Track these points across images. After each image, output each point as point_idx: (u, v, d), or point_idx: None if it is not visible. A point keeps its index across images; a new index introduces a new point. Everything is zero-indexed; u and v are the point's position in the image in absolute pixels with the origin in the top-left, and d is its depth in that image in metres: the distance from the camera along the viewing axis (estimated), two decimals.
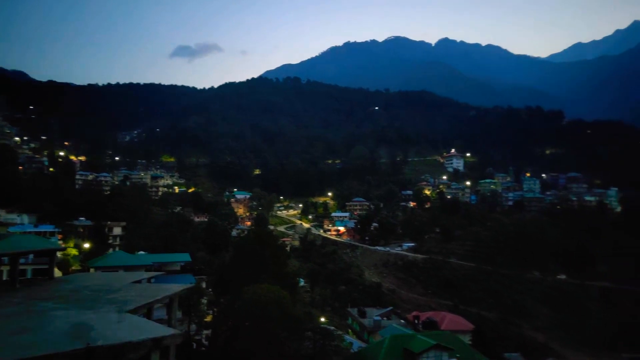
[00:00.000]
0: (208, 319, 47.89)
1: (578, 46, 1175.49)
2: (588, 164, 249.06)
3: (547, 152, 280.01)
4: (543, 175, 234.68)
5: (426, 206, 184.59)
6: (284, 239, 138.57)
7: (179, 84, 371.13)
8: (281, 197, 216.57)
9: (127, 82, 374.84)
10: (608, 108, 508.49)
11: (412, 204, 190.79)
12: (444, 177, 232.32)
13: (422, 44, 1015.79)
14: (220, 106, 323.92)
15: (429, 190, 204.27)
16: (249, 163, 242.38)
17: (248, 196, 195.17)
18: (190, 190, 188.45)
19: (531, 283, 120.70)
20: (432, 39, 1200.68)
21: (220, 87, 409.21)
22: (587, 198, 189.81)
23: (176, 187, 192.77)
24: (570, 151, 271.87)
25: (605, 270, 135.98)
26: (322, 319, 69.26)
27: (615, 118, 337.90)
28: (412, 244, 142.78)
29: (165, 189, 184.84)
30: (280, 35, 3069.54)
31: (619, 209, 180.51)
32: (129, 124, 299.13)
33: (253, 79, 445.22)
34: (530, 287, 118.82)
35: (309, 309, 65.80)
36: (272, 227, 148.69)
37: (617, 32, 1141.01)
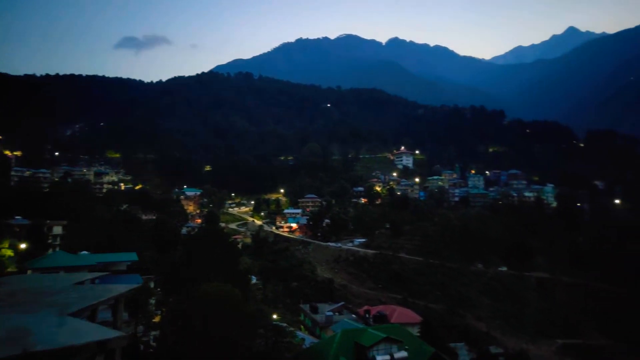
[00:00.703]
0: (156, 319, 46.57)
1: (518, 49, 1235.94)
2: (527, 162, 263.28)
3: (490, 150, 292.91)
4: (487, 172, 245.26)
5: (377, 202, 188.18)
6: (235, 237, 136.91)
7: (125, 76, 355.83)
8: (233, 194, 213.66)
9: (68, 73, 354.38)
10: (545, 109, 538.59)
11: (363, 200, 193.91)
12: (394, 174, 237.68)
13: (373, 42, 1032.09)
14: (169, 100, 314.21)
15: (379, 186, 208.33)
16: (199, 159, 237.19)
17: (198, 193, 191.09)
18: (137, 188, 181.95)
19: (475, 275, 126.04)
20: (383, 38, 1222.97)
21: (169, 81, 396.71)
22: (526, 194, 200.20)
23: (122, 184, 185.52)
24: (511, 149, 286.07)
25: (541, 262, 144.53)
26: (275, 316, 69.18)
27: (552, 118, 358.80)
28: (363, 240, 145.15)
29: (110, 186, 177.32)
30: (231, 30, 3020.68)
31: (554, 204, 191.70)
32: (70, 117, 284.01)
33: (203, 73, 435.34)
34: (474, 279, 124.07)
35: (261, 307, 65.43)
36: (223, 225, 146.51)
37: (554, 37, 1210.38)
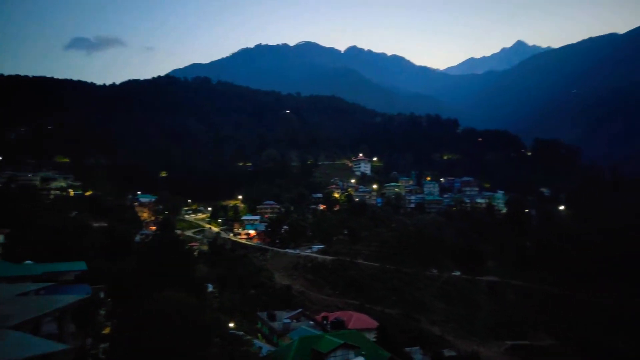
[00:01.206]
0: (106, 331, 44.90)
1: (471, 61, 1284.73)
2: (479, 169, 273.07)
3: (445, 157, 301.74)
4: (441, 179, 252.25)
5: (335, 209, 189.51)
6: (191, 244, 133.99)
7: (76, 78, 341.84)
8: (189, 201, 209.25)
9: (13, 74, 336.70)
10: (496, 118, 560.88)
11: (322, 206, 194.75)
12: (352, 181, 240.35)
13: (331, 50, 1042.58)
14: (123, 104, 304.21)
15: (338, 193, 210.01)
16: (154, 165, 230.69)
17: (153, 199, 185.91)
18: (87, 194, 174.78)
19: (429, 280, 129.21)
20: (342, 47, 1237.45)
21: (123, 84, 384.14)
22: (478, 200, 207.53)
23: (71, 190, 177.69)
24: (464, 157, 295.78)
25: (492, 266, 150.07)
26: (231, 325, 68.24)
27: (502, 128, 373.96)
28: (322, 246, 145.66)
29: (59, 192, 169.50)
30: (189, 33, 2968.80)
31: (504, 210, 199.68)
32: (15, 120, 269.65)
33: (160, 77, 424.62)
34: (429, 283, 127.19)
35: (218, 315, 64.36)
36: (179, 232, 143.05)
37: (504, 49, 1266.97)
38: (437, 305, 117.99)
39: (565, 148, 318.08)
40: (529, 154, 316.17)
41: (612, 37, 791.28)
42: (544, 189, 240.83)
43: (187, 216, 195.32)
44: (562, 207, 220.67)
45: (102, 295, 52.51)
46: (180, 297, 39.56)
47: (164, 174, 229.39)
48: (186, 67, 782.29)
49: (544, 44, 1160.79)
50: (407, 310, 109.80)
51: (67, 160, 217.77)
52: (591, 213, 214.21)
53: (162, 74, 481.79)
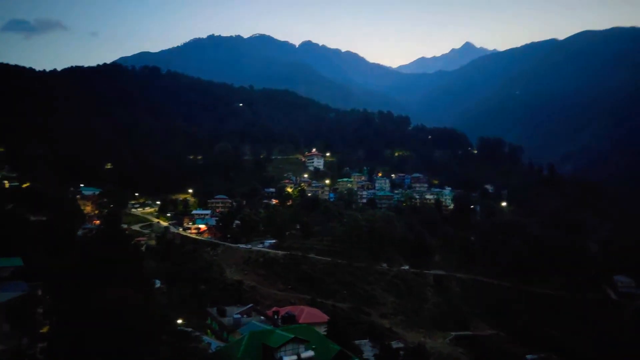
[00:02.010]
0: (44, 330, 42.70)
1: (422, 60, 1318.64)
2: (428, 166, 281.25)
3: (396, 154, 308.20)
4: (392, 175, 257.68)
5: (288, 203, 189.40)
6: (138, 239, 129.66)
7: (13, 63, 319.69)
8: (136, 194, 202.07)
9: None
10: (444, 117, 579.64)
11: (274, 201, 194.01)
12: (306, 176, 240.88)
13: (286, 44, 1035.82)
14: (65, 91, 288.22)
15: (291, 188, 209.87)
16: (99, 156, 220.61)
17: (97, 192, 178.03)
18: (24, 186, 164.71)
19: (380, 274, 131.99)
20: (296, 41, 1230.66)
21: (65, 70, 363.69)
22: (427, 196, 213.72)
23: (6, 182, 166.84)
24: (414, 154, 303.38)
25: (439, 260, 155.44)
26: (180, 321, 66.73)
27: (450, 126, 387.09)
28: (274, 241, 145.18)
29: None
30: (137, 20, 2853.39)
31: (451, 206, 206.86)
32: None
33: (105, 64, 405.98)
34: (379, 277, 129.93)
35: (166, 312, 62.72)
36: (125, 226, 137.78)
37: (453, 50, 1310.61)
38: (386, 298, 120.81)
39: (508, 147, 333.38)
40: (475, 152, 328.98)
41: (553, 42, 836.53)
42: (488, 186, 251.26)
43: (134, 210, 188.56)
44: (504, 203, 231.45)
45: (40, 292, 49.93)
46: (126, 294, 38.27)
47: (109, 166, 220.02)
48: (134, 55, 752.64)
49: (490, 47, 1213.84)
50: (357, 303, 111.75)
51: (1, 149, 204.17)
52: (531, 209, 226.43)
53: (108, 61, 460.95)
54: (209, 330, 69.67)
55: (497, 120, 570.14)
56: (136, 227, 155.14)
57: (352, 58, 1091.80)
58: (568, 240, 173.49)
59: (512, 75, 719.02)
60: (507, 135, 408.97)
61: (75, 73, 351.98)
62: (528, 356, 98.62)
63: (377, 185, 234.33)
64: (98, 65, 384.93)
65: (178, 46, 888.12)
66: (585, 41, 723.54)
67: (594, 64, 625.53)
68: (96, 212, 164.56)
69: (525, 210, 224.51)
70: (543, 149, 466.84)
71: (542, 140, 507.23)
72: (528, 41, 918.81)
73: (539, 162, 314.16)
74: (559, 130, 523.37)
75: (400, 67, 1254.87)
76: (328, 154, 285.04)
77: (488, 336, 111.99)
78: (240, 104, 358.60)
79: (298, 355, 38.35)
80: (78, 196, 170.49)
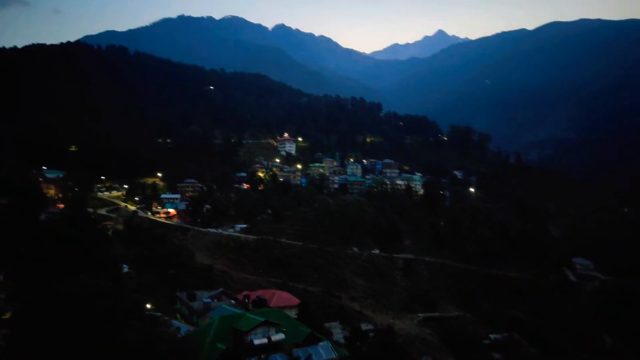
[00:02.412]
0: (6, 316, 41.44)
1: (395, 47, 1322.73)
2: (399, 152, 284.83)
3: (368, 140, 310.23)
4: (364, 160, 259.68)
5: (259, 188, 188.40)
6: (105, 223, 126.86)
7: None
8: (103, 177, 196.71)
9: None
10: (416, 104, 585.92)
11: (246, 185, 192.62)
12: (277, 160, 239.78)
13: (259, 27, 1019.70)
14: (27, 71, 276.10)
15: (262, 172, 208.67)
16: (63, 138, 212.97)
17: (61, 175, 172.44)
18: None
19: (350, 258, 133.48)
20: (269, 24, 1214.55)
21: (27, 48, 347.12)
22: (398, 182, 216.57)
23: None
24: (386, 140, 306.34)
25: (409, 244, 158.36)
26: (149, 306, 65.91)
27: (421, 113, 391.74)
28: (245, 225, 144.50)
29: None
30: None
31: (421, 191, 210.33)
32: None
33: (69, 42, 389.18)
34: (350, 261, 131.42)
35: (134, 297, 61.80)
36: (91, 210, 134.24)
37: (426, 37, 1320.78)
38: (357, 282, 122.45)
39: (477, 134, 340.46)
40: (445, 139, 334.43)
41: (523, 32, 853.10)
42: (457, 172, 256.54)
43: (100, 194, 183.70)
44: (472, 190, 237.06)
45: (1, 277, 48.37)
46: (93, 279, 37.48)
47: (73, 148, 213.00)
48: (100, 34, 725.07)
49: (462, 35, 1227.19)
50: (328, 287, 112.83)
51: None
52: (498, 195, 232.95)
53: (72, 39, 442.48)
54: (178, 315, 69.14)
55: (467, 108, 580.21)
56: (102, 211, 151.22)
57: (326, 43, 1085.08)
58: (532, 226, 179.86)
59: (482, 64, 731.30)
60: (477, 123, 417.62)
61: (37, 51, 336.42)
62: (491, 336, 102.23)
63: (348, 170, 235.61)
64: (62, 44, 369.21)
65: (146, 26, 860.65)
66: (554, 32, 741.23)
67: (562, 55, 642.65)
68: (60, 195, 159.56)
69: (492, 196, 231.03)
70: (511, 137, 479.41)
71: (510, 129, 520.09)
72: (499, 30, 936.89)
73: (506, 150, 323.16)
74: (526, 119, 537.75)
75: (374, 53, 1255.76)
76: (300, 139, 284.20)
77: (454, 317, 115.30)
78: (212, 87, 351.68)
79: (269, 338, 38.58)
80: (41, 179, 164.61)
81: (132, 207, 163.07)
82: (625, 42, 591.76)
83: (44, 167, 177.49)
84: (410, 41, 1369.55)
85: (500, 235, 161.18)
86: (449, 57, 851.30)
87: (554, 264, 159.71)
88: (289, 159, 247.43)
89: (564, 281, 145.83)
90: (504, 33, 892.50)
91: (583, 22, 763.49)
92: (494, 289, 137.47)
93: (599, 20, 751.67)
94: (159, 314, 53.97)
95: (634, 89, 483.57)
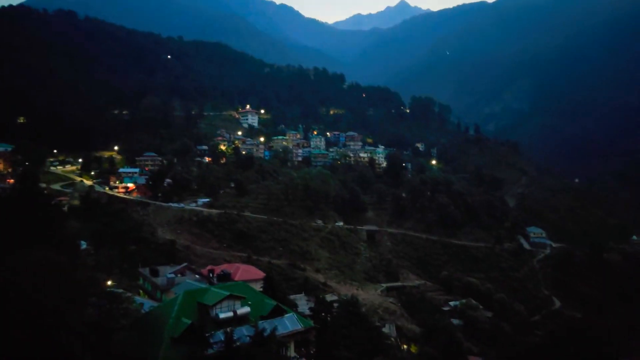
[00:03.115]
0: None
1: (357, 17, 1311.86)
2: (363, 124, 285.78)
3: (331, 112, 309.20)
4: (327, 133, 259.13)
5: (222, 161, 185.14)
6: (60, 198, 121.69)
7: None
8: (55, 151, 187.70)
9: None
10: (379, 75, 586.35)
11: (207, 159, 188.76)
12: (239, 133, 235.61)
13: None
14: None
15: (224, 145, 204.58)
16: (10, 110, 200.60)
17: (9, 149, 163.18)
18: None
19: (315, 230, 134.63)
20: None
21: None
22: (362, 154, 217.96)
23: None
24: (349, 112, 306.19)
25: (372, 216, 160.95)
26: (109, 283, 64.30)
27: (383, 84, 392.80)
28: (207, 200, 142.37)
29: None
30: None
31: (384, 164, 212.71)
32: None
33: (12, 6, 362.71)
34: (314, 234, 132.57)
35: (93, 274, 60.00)
36: (44, 185, 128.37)
37: (388, 8, 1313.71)
38: (321, 254, 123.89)
39: (438, 106, 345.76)
40: (407, 110, 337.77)
41: (482, 4, 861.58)
42: (419, 144, 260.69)
43: (53, 168, 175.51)
44: (434, 162, 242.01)
45: None
46: (49, 255, 35.81)
47: (22, 120, 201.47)
48: None
49: (424, 6, 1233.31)
50: (293, 260, 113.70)
51: None
52: (457, 166, 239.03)
53: (15, 3, 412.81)
54: (141, 291, 67.92)
55: (429, 79, 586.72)
56: (56, 187, 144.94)
57: (287, 12, 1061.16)
58: (489, 195, 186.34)
59: (443, 36, 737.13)
60: (438, 94, 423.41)
61: None
62: (450, 303, 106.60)
63: (312, 143, 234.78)
64: (3, 7, 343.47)
65: None
66: (511, 4, 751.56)
67: (518, 27, 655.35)
68: (10, 170, 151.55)
69: (452, 167, 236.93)
70: (469, 108, 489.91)
71: (469, 100, 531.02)
72: (460, 2, 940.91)
73: (465, 121, 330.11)
74: (484, 90, 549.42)
75: (336, 23, 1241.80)
76: (263, 111, 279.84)
77: (415, 286, 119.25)
78: (169, 56, 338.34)
79: (234, 311, 38.41)
80: None
81: (88, 182, 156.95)
82: (578, 13, 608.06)
83: None
84: (373, 12, 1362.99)
85: (460, 205, 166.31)
86: (411, 28, 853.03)
87: (509, 232, 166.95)
88: (251, 132, 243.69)
89: (518, 248, 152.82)
90: (464, 5, 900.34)
91: None
92: (453, 257, 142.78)
93: None
94: (120, 290, 52.71)
95: (582, 60, 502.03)
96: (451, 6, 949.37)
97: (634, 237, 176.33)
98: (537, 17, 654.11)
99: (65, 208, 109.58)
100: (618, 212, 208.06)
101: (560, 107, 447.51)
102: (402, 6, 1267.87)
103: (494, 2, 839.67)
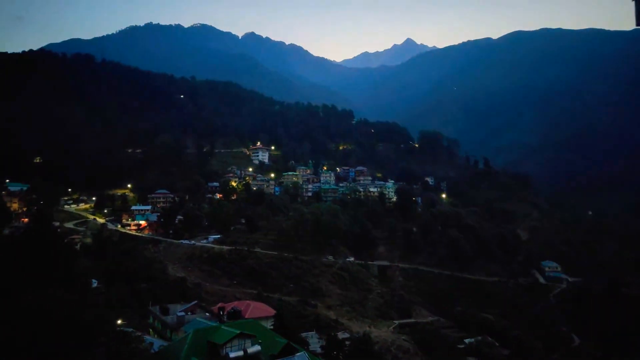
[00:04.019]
0: None
1: (365, 55, 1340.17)
2: (372, 159, 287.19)
3: (341, 147, 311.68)
4: (337, 168, 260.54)
5: (233, 198, 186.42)
6: (72, 237, 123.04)
7: None
8: (69, 190, 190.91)
9: None
10: (387, 111, 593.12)
11: (218, 195, 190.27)
12: (250, 169, 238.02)
13: (229, 35, 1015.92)
14: None
15: (235, 182, 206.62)
16: (27, 149, 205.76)
17: (25, 188, 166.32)
18: None
19: (326, 266, 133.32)
20: (239, 32, 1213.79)
21: None
22: (371, 189, 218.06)
23: None
24: (358, 147, 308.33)
25: (383, 251, 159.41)
26: (119, 322, 64.00)
27: (392, 120, 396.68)
28: (218, 236, 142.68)
29: None
30: (67, 4, 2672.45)
31: (394, 198, 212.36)
32: None
33: (32, 51, 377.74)
34: (325, 270, 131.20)
35: (103, 312, 59.90)
36: (57, 224, 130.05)
37: (395, 46, 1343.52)
38: (332, 290, 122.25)
39: (446, 140, 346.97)
40: (416, 145, 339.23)
41: (488, 41, 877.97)
42: (428, 178, 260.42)
43: (67, 207, 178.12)
44: (444, 195, 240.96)
45: None
46: (59, 294, 36.13)
47: (38, 159, 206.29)
48: (64, 42, 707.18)
49: (430, 44, 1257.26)
50: (304, 296, 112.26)
51: None
52: (468, 199, 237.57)
53: (35, 47, 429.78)
54: (151, 330, 67.41)
55: (436, 114, 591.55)
56: (70, 225, 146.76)
57: (297, 51, 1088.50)
58: (501, 229, 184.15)
59: (450, 72, 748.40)
60: (446, 129, 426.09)
61: None
62: (465, 340, 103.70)
63: (322, 178, 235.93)
64: (24, 52, 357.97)
65: (113, 33, 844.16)
66: (517, 41, 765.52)
67: (525, 62, 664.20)
68: (25, 209, 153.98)
69: (462, 201, 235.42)
70: (478, 142, 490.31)
71: (477, 134, 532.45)
72: (465, 39, 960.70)
73: (475, 155, 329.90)
74: (492, 124, 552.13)
75: (345, 61, 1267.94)
76: (273, 148, 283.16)
77: (429, 322, 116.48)
78: (182, 96, 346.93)
79: (245, 350, 37.98)
80: (4, 192, 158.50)
81: (100, 220, 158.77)
82: (583, 49, 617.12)
83: (7, 180, 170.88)
84: (380, 49, 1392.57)
85: (471, 239, 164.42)
86: (418, 65, 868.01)
87: (523, 266, 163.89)
88: (262, 168, 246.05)
89: (533, 283, 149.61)
90: (470, 42, 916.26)
91: (544, 31, 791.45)
92: (467, 292, 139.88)
93: (559, 30, 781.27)
94: (130, 329, 52.47)
95: (589, 94, 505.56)
96: (457, 43, 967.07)
97: None
98: (542, 53, 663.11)
99: (78, 246, 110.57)
100: (632, 245, 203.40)
101: (569, 140, 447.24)
102: (409, 44, 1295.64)
103: (499, 38, 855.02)
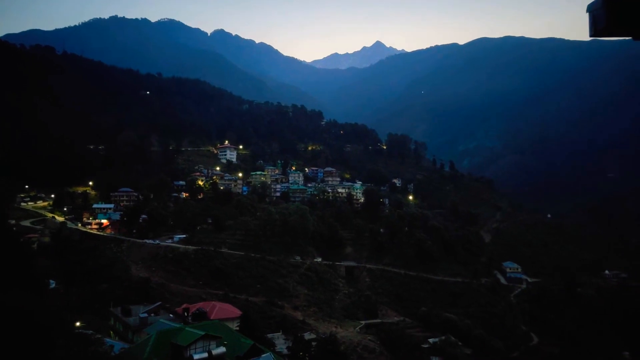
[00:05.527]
0: None
1: (335, 56, 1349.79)
2: (340, 160, 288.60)
3: (310, 148, 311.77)
4: (306, 169, 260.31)
5: (199, 197, 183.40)
6: (29, 235, 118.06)
7: None
8: (27, 186, 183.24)
9: None
10: (355, 112, 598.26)
11: (184, 194, 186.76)
12: (218, 168, 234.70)
13: (197, 31, 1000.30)
14: None
15: (202, 181, 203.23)
16: None
17: None
18: None
19: (293, 267, 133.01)
20: (208, 29, 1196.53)
21: None
22: (339, 190, 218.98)
23: None
24: (327, 148, 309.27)
25: (350, 251, 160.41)
26: (78, 324, 61.77)
27: (360, 122, 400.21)
28: (184, 236, 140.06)
29: None
30: None
31: (362, 199, 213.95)
32: None
33: None
34: (292, 270, 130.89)
35: (62, 314, 57.64)
36: (13, 222, 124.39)
37: (364, 48, 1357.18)
38: (299, 291, 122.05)
39: (414, 143, 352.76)
40: (384, 147, 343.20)
41: (454, 46, 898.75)
42: (396, 180, 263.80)
43: (23, 204, 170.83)
44: (411, 197, 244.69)
45: None
46: (15, 295, 34.51)
47: None
48: (23, 33, 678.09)
49: (399, 47, 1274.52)
50: (271, 297, 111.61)
51: None
52: (434, 202, 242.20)
53: None
54: (112, 332, 65.40)
55: (404, 117, 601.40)
56: (26, 223, 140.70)
57: (266, 50, 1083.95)
58: (465, 231, 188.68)
59: (418, 75, 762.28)
60: (413, 131, 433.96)
61: None
62: (430, 340, 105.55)
63: (290, 178, 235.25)
64: None
65: (75, 25, 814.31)
66: (482, 47, 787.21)
67: (489, 68, 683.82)
68: None
69: (429, 203, 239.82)
70: (444, 145, 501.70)
71: (443, 137, 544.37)
72: (433, 44, 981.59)
73: (440, 158, 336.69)
74: (457, 128, 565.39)
75: (314, 62, 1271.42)
76: (241, 147, 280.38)
77: (395, 323, 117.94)
78: (148, 92, 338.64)
79: (209, 352, 37.36)
80: None
81: (60, 218, 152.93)
82: (543, 58, 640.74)
83: None
84: (350, 51, 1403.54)
85: (437, 240, 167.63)
86: (387, 67, 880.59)
87: (486, 267, 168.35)
88: (230, 167, 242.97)
89: (495, 283, 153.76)
90: (437, 46, 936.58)
91: (508, 39, 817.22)
92: (432, 292, 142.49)
93: (522, 38, 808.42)
94: (90, 331, 50.71)
95: (550, 101, 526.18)
96: (425, 47, 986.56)
97: (607, 272, 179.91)
98: (505, 60, 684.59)
99: (35, 245, 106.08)
100: (590, 247, 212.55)
101: (530, 145, 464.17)
102: (378, 46, 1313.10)
103: (465, 44, 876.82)
